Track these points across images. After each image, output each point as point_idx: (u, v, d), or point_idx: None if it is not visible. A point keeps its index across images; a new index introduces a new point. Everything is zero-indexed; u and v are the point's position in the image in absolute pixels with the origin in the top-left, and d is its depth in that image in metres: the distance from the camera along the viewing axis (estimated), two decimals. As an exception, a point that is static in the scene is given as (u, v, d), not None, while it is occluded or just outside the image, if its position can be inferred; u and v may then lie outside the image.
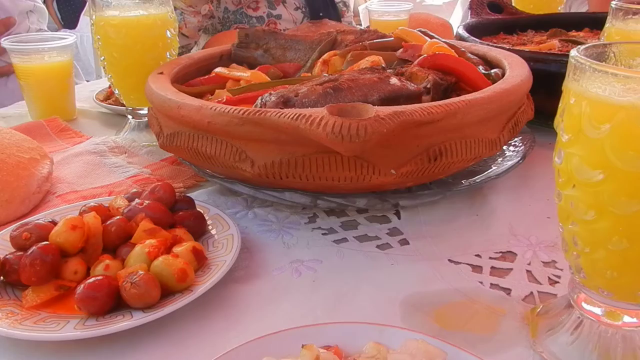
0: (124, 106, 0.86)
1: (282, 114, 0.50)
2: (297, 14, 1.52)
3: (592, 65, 0.32)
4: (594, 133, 0.32)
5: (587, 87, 0.33)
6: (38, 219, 0.52)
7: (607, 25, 0.66)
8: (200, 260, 0.48)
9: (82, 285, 0.43)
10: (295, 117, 0.48)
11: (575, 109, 0.33)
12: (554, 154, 0.37)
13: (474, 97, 0.55)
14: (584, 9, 1.62)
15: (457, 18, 1.86)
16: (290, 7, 1.50)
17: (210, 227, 0.56)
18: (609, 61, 0.37)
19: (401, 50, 0.74)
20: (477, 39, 0.90)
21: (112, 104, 0.95)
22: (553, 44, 0.93)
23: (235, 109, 0.53)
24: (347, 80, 0.59)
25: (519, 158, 0.65)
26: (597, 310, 0.38)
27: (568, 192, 0.35)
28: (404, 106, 0.51)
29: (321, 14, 1.52)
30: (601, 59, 0.37)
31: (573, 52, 0.35)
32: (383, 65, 0.68)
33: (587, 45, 0.36)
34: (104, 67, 0.81)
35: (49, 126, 0.86)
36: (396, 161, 0.53)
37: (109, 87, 1.02)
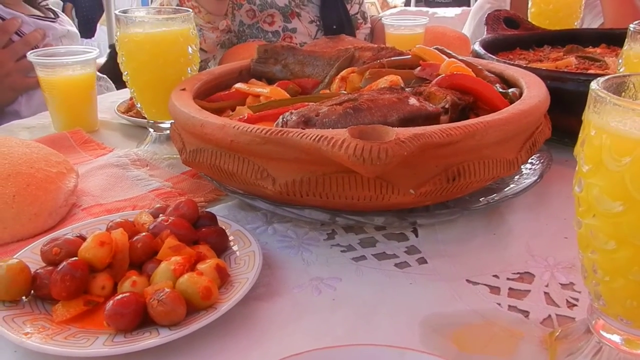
0: (145, 119, 0.88)
1: (304, 134, 0.51)
2: (312, 27, 1.53)
3: (613, 99, 0.33)
4: (615, 165, 0.33)
5: (607, 121, 0.34)
6: (66, 234, 0.53)
7: (625, 48, 0.66)
8: (223, 278, 0.50)
9: (110, 302, 0.44)
10: (317, 138, 0.50)
11: (596, 140, 0.34)
12: (574, 183, 0.38)
13: (492, 118, 0.56)
14: (596, 23, 1.62)
15: (468, 30, 1.86)
16: (305, 20, 1.51)
17: (231, 243, 0.57)
18: (629, 92, 0.38)
19: (419, 68, 0.75)
20: (493, 55, 0.91)
21: (133, 116, 0.97)
22: (570, 61, 0.93)
23: (258, 129, 0.54)
24: (366, 100, 0.60)
25: (537, 177, 0.66)
26: (616, 338, 0.38)
27: (588, 221, 0.36)
28: (423, 128, 0.52)
29: (334, 27, 1.53)
30: (621, 90, 0.38)
31: (593, 85, 0.36)
32: (402, 85, 0.69)
33: (607, 77, 0.37)
34: (126, 82, 0.83)
35: (73, 138, 0.88)
36: (415, 181, 0.54)
37: (130, 99, 1.05)
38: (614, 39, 1.06)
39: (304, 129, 0.55)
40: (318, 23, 1.53)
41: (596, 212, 0.35)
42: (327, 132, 0.50)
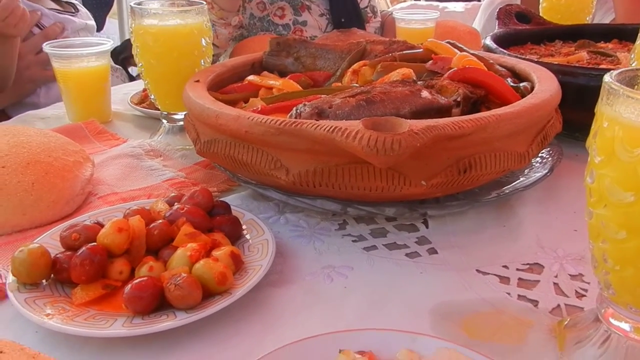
0: (159, 110, 0.89)
1: (318, 126, 0.52)
2: (322, 20, 1.53)
3: (626, 92, 0.34)
4: (627, 156, 0.33)
5: (620, 112, 0.34)
6: (84, 220, 0.55)
7: (638, 42, 0.67)
8: (237, 264, 0.51)
9: (129, 286, 0.45)
10: (331, 129, 0.50)
11: (608, 132, 0.35)
12: (585, 174, 0.39)
13: (504, 111, 0.57)
14: (607, 19, 1.61)
15: (478, 25, 1.86)
16: (315, 13, 1.52)
17: (245, 232, 0.58)
18: (643, 86, 0.38)
19: (431, 62, 0.76)
20: (504, 50, 0.91)
21: (146, 108, 0.98)
22: (581, 56, 0.94)
23: (272, 120, 0.55)
24: (379, 93, 0.60)
25: (547, 170, 0.66)
26: (625, 326, 0.39)
27: (599, 211, 0.37)
28: (435, 120, 0.52)
29: (343, 20, 1.53)
30: (634, 83, 0.38)
31: (607, 78, 0.36)
32: (414, 77, 0.70)
33: (620, 70, 0.37)
34: (141, 73, 0.84)
35: (87, 128, 0.89)
36: (427, 173, 0.55)
37: (143, 90, 1.06)
38: (626, 34, 1.06)
39: (317, 120, 0.56)
40: (328, 16, 1.53)
41: (607, 202, 0.36)
42: (340, 123, 0.51)
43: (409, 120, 0.51)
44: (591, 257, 0.40)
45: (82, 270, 0.47)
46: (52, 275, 0.50)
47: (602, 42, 1.06)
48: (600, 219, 0.37)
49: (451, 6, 2.16)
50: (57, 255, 0.50)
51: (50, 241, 0.54)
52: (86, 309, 0.46)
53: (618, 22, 1.46)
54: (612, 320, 0.40)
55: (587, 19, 1.26)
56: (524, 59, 0.82)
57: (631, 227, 0.34)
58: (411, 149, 0.48)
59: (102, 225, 0.52)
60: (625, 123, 0.34)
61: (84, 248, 0.48)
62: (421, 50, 0.81)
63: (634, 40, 1.04)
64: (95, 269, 0.47)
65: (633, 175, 0.33)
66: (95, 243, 0.49)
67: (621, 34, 1.07)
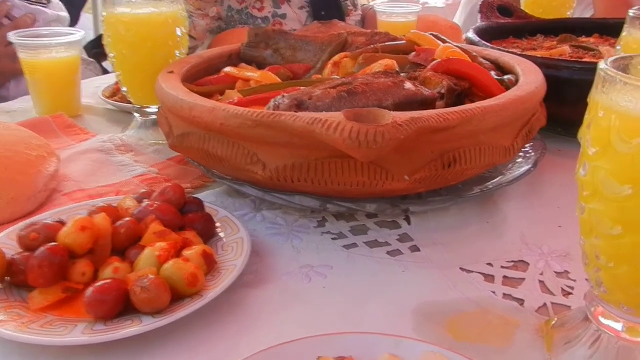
0: (131, 104, 0.85)
1: (297, 117, 0.49)
2: (302, 13, 1.51)
3: (623, 78, 0.32)
4: (624, 147, 0.31)
5: (617, 101, 0.32)
6: (45, 219, 0.51)
7: (624, 33, 0.65)
8: (210, 265, 0.48)
9: (91, 289, 0.42)
10: (311, 121, 0.48)
11: (604, 122, 0.33)
12: (577, 166, 0.37)
13: (490, 104, 0.55)
14: (587, 15, 1.61)
15: (460, 20, 1.85)
16: (294, 6, 1.49)
17: (219, 230, 0.55)
18: (636, 73, 0.36)
19: (414, 54, 0.74)
20: (487, 43, 0.89)
21: (118, 101, 0.94)
22: (564, 50, 0.92)
23: (249, 112, 0.52)
24: (361, 84, 0.58)
25: (531, 165, 0.65)
26: (617, 326, 0.37)
27: (592, 206, 0.35)
28: (420, 112, 0.50)
29: (323, 13, 1.51)
30: (627, 71, 0.36)
31: (602, 65, 0.34)
32: (397, 69, 0.68)
33: (614, 58, 0.36)
34: (113, 64, 0.81)
35: (55, 122, 0.85)
36: (410, 167, 0.52)
37: (115, 83, 1.02)
38: (607, 29, 1.05)
39: (296, 112, 0.53)
40: (308, 9, 1.50)
41: (602, 196, 0.33)
42: (321, 115, 0.48)
43: (392, 112, 0.48)
44: (582, 254, 0.38)
45: (40, 273, 0.43)
46: (7, 278, 0.46)
47: (583, 36, 1.05)
48: (594, 214, 0.35)
49: (432, 1, 2.15)
50: (14, 257, 0.46)
51: (7, 241, 0.50)
52: (44, 315, 0.43)
53: (597, 17, 1.45)
54: (602, 320, 0.38)
55: (569, 13, 1.25)
56: (507, 51, 0.80)
57: (627, 222, 0.32)
58: (395, 142, 0.46)
59: (64, 224, 0.48)
60: (622, 112, 0.32)
61: (42, 248, 0.44)
62: (404, 42, 0.79)
63: (614, 35, 1.04)
64: (54, 271, 0.44)
65: (630, 167, 0.31)
66: (55, 243, 0.46)
67: (602, 28, 1.07)
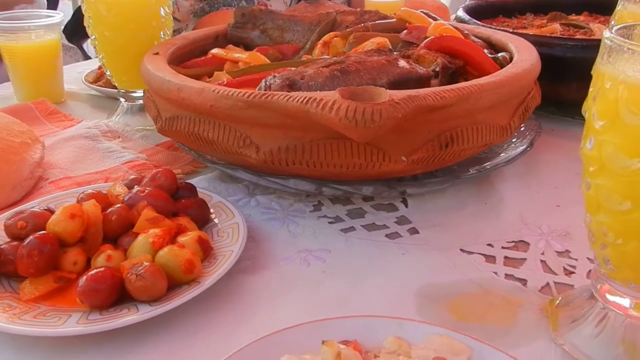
0: (116, 88, 0.83)
1: (291, 97, 0.47)
2: None
3: (631, 46, 0.31)
4: (633, 119, 0.31)
5: (624, 70, 0.31)
6: (33, 207, 0.49)
7: (618, 7, 0.64)
8: (206, 251, 0.46)
9: (84, 277, 0.41)
10: (305, 100, 0.46)
11: (611, 93, 0.32)
12: (582, 141, 0.36)
13: (486, 81, 0.54)
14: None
15: (447, 1, 1.83)
16: None
17: (213, 216, 0.54)
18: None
19: (405, 32, 0.72)
20: (478, 21, 0.88)
21: (102, 86, 0.92)
22: (554, 28, 0.92)
23: (240, 92, 0.50)
24: (354, 62, 0.56)
25: (527, 145, 0.64)
26: (625, 303, 0.37)
27: (599, 182, 0.34)
28: (416, 90, 0.49)
29: None
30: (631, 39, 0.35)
31: (607, 33, 0.33)
32: (390, 47, 0.66)
33: (618, 27, 0.35)
34: (95, 47, 0.78)
35: (38, 109, 0.82)
36: (407, 148, 0.51)
37: (99, 68, 0.99)
38: (596, 6, 1.05)
39: (289, 92, 0.52)
40: None
41: (609, 171, 0.33)
42: (315, 94, 0.47)
43: (388, 90, 0.47)
44: (587, 231, 0.38)
45: (30, 262, 0.42)
46: (-5, 268, 0.44)
47: (573, 14, 1.04)
48: (601, 189, 0.34)
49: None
50: (1, 246, 0.44)
51: (-7, 231, 0.49)
52: (36, 305, 0.41)
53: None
54: (609, 297, 0.38)
55: (557, -8, 1.24)
56: (500, 30, 0.79)
57: (637, 196, 0.32)
58: (392, 120, 0.44)
59: (52, 212, 0.47)
60: (630, 82, 0.31)
61: (31, 237, 0.43)
62: (394, 20, 0.77)
63: (604, 13, 1.03)
64: (45, 260, 0.42)
65: (640, 140, 0.30)
66: (44, 231, 0.44)
67: (591, 6, 1.06)
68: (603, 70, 0.33)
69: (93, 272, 0.41)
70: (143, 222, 0.47)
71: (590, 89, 0.35)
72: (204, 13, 1.41)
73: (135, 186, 0.52)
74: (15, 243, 0.44)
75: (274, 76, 0.56)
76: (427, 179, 0.59)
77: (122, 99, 0.82)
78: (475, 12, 0.98)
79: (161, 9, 0.75)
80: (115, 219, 0.47)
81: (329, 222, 0.57)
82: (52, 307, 0.41)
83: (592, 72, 0.35)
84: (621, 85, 0.31)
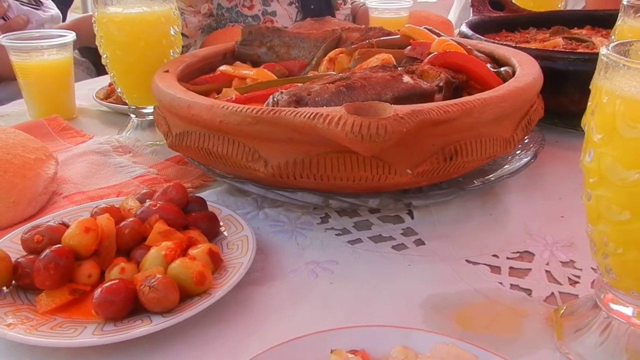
0: (126, 105, 0.84)
1: (298, 113, 0.49)
2: (292, 9, 1.51)
3: (626, 62, 0.32)
4: (630, 132, 0.32)
5: (620, 86, 0.32)
6: (48, 221, 0.51)
7: (618, 22, 0.66)
8: (216, 263, 0.48)
9: (99, 290, 0.42)
10: (312, 116, 0.48)
11: (609, 107, 0.33)
12: (582, 154, 0.37)
13: (489, 95, 0.55)
14: (579, 5, 1.62)
15: (454, 16, 1.85)
16: (283, 2, 1.49)
17: (222, 229, 0.55)
18: (638, 59, 0.37)
19: (409, 47, 0.74)
20: (481, 36, 0.90)
21: (113, 103, 0.94)
22: (557, 42, 0.93)
23: (249, 108, 0.52)
24: (359, 78, 0.58)
25: (531, 157, 0.65)
26: (627, 311, 0.37)
27: (599, 193, 0.35)
28: (420, 105, 0.50)
29: (312, 7, 1.51)
30: (628, 56, 0.36)
31: (603, 50, 0.34)
32: (394, 63, 0.68)
33: (615, 44, 0.36)
34: (106, 65, 0.80)
35: (50, 125, 0.84)
36: (412, 161, 0.53)
37: (109, 85, 1.01)
38: (598, 20, 1.06)
39: (296, 108, 0.53)
40: (297, 4, 1.50)
41: (609, 182, 0.34)
42: (322, 109, 0.48)
43: (393, 105, 0.48)
44: (589, 241, 0.38)
45: (46, 275, 0.43)
46: (13, 281, 0.45)
47: (575, 28, 1.06)
48: (601, 200, 0.35)
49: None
50: (19, 260, 0.46)
51: (10, 245, 0.50)
52: (52, 317, 0.42)
53: (588, 9, 1.46)
54: (612, 306, 0.39)
55: (559, 6, 1.26)
56: (502, 44, 0.80)
57: (635, 207, 0.33)
58: (397, 135, 0.46)
59: (67, 226, 0.48)
60: (626, 97, 0.32)
61: (47, 251, 0.44)
62: (398, 36, 0.79)
63: (606, 26, 1.05)
64: (60, 273, 0.44)
65: (637, 152, 0.31)
66: (60, 245, 0.45)
67: (594, 20, 1.07)
68: (601, 85, 0.34)
69: (107, 284, 0.42)
70: (155, 235, 0.48)
71: (589, 103, 0.36)
72: (211, 29, 1.44)
73: (147, 200, 0.54)
74: (31, 256, 0.45)
75: (281, 92, 0.57)
76: (432, 191, 0.60)
77: (132, 115, 0.84)
78: (479, 27, 0.99)
79: (171, 28, 0.77)
80: (128, 232, 0.48)
81: (336, 234, 0.58)
82: (68, 318, 0.42)
83: (590, 87, 0.37)
84: (618, 100, 0.32)
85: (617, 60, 0.32)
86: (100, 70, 1.56)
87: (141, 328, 0.40)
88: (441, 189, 0.60)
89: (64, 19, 1.87)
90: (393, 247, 0.55)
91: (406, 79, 0.59)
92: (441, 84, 0.61)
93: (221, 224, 0.55)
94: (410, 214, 0.61)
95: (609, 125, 0.33)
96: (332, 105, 0.55)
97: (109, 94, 0.98)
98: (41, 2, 1.49)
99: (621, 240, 0.35)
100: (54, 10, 1.50)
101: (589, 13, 1.15)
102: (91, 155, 0.73)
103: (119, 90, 0.82)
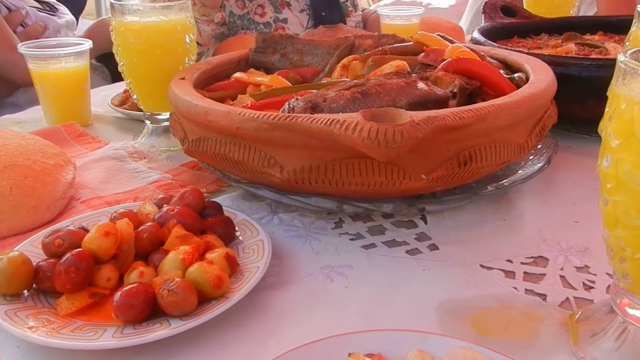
0: (141, 111, 0.86)
1: (315, 119, 0.49)
2: (303, 16, 1.52)
3: (644, 70, 0.32)
4: (648, 138, 0.32)
5: (639, 92, 0.33)
6: (67, 226, 0.51)
7: (633, 29, 0.66)
8: (233, 267, 0.48)
9: (119, 293, 0.42)
10: (329, 122, 0.48)
11: (627, 114, 0.33)
12: (599, 159, 0.37)
13: (503, 101, 0.55)
14: (590, 12, 1.62)
15: (465, 22, 1.86)
16: (295, 9, 1.50)
17: (238, 233, 0.55)
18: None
19: (423, 54, 0.74)
20: (493, 43, 0.90)
21: (128, 109, 0.95)
22: (570, 48, 0.93)
23: (265, 115, 0.52)
24: (374, 85, 0.58)
25: (545, 162, 0.65)
26: (644, 316, 0.37)
27: (617, 198, 0.35)
28: (435, 111, 0.51)
29: (323, 14, 1.52)
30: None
31: (621, 57, 0.35)
32: (408, 69, 0.68)
33: (633, 50, 0.36)
34: (122, 72, 0.81)
35: (67, 131, 0.85)
36: (427, 166, 0.53)
37: (124, 91, 1.02)
38: (610, 26, 1.06)
39: (312, 114, 0.54)
40: (308, 12, 1.52)
41: (627, 187, 0.34)
42: (338, 115, 0.49)
43: (408, 111, 0.49)
44: (606, 246, 0.39)
45: (67, 279, 0.44)
46: (34, 284, 0.46)
47: (587, 34, 1.05)
48: (618, 205, 0.35)
49: (435, 2, 2.16)
50: (40, 264, 0.46)
51: (30, 249, 0.51)
52: (72, 320, 0.43)
53: (600, 14, 1.46)
54: (628, 311, 0.39)
55: (571, 12, 1.26)
56: (515, 50, 0.81)
57: (654, 213, 0.33)
58: (413, 141, 0.46)
59: (86, 230, 0.49)
60: (645, 103, 0.32)
61: (68, 254, 0.45)
62: (411, 43, 0.79)
63: (618, 32, 1.05)
64: (81, 276, 0.44)
65: (655, 158, 0.32)
66: (80, 249, 0.46)
67: (606, 26, 1.07)
68: (618, 91, 0.35)
69: (127, 287, 0.43)
70: (173, 239, 0.49)
71: (606, 109, 0.36)
72: (224, 37, 1.45)
73: (165, 205, 0.55)
74: (52, 260, 0.46)
75: (297, 99, 0.58)
76: (445, 196, 0.60)
77: (147, 121, 0.85)
78: (491, 34, 1.00)
79: (186, 36, 0.79)
80: (147, 236, 0.49)
81: (350, 239, 0.58)
82: (88, 321, 0.43)
83: (607, 93, 0.37)
84: (636, 107, 0.33)
85: (635, 67, 0.33)
86: (115, 76, 1.58)
87: (160, 331, 0.41)
88: (454, 194, 0.60)
89: (76, 25, 1.90)
90: (407, 251, 0.56)
91: (421, 85, 0.60)
92: (455, 90, 0.61)
93: (237, 228, 0.56)
94: (424, 219, 0.61)
95: (627, 131, 0.33)
96: (348, 112, 0.55)
97: (124, 101, 0.99)
98: (56, 8, 1.52)
99: (638, 245, 0.35)
100: (69, 16, 1.53)
101: (601, 19, 1.15)
102: (107, 161, 0.75)
103: (134, 96, 0.83)
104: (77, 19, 2.00)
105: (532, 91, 0.59)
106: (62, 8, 1.53)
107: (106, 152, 0.78)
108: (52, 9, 1.49)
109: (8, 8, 1.31)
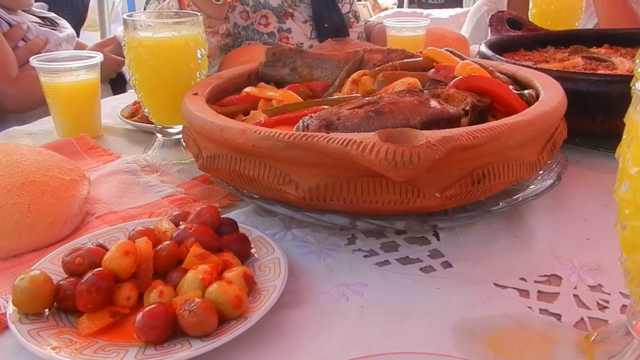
0: (152, 123, 0.86)
1: (331, 139, 0.50)
2: (306, 27, 1.53)
3: (663, 99, 0.33)
4: (668, 167, 0.32)
5: (657, 121, 0.33)
6: (85, 243, 0.52)
7: (642, 47, 0.66)
8: (250, 286, 0.49)
9: (141, 314, 0.43)
10: (346, 143, 0.49)
11: (646, 142, 0.34)
12: (617, 184, 0.38)
13: (516, 120, 0.56)
14: (591, 24, 1.62)
15: (466, 32, 1.87)
16: (298, 20, 1.51)
17: (253, 250, 0.56)
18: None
19: (433, 70, 0.75)
20: (502, 57, 0.91)
21: (138, 121, 0.96)
22: (576, 62, 0.94)
23: (281, 133, 0.53)
24: (388, 103, 0.59)
25: (555, 178, 0.65)
26: (662, 341, 0.38)
27: (636, 224, 0.35)
28: (449, 130, 0.51)
29: (326, 25, 1.53)
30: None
31: (638, 85, 0.35)
32: (420, 87, 0.69)
33: (649, 77, 0.37)
34: (134, 86, 0.82)
35: (79, 144, 0.86)
36: (441, 184, 0.53)
37: (134, 103, 1.03)
38: (616, 39, 1.07)
39: (326, 132, 0.54)
40: (311, 22, 1.53)
41: (646, 214, 0.34)
42: (355, 136, 0.49)
43: (423, 131, 0.50)
44: (623, 269, 0.39)
45: (89, 298, 0.44)
46: (54, 303, 0.47)
47: (593, 47, 1.06)
48: (637, 231, 0.36)
49: (435, 13, 2.17)
50: (60, 282, 0.47)
51: (49, 266, 0.51)
52: (94, 340, 0.43)
53: (601, 26, 1.47)
54: (646, 335, 0.39)
55: (577, 24, 1.27)
56: (523, 65, 0.81)
57: (672, 240, 0.33)
58: (430, 162, 0.47)
59: (105, 248, 0.49)
60: (664, 133, 0.33)
61: (89, 274, 0.45)
62: (421, 58, 0.80)
63: (624, 45, 1.05)
64: (102, 296, 0.45)
65: (674, 187, 0.32)
66: (100, 268, 0.47)
67: (612, 39, 1.08)
68: (636, 119, 0.35)
69: (148, 308, 0.43)
70: (191, 258, 0.49)
71: (624, 136, 0.37)
72: (229, 48, 1.46)
73: (181, 222, 0.55)
74: (72, 279, 0.47)
75: (311, 116, 0.59)
76: (457, 213, 0.60)
77: (158, 134, 0.86)
78: (497, 47, 1.00)
79: (198, 51, 0.79)
80: (165, 255, 0.50)
81: (364, 256, 0.59)
82: (109, 342, 0.43)
83: (624, 120, 0.37)
84: (655, 135, 0.33)
85: (654, 96, 0.33)
86: (116, 89, 1.60)
87: (182, 352, 0.41)
88: (467, 211, 0.61)
89: (77, 36, 1.91)
90: (421, 269, 0.56)
91: (433, 103, 0.60)
92: (467, 107, 0.62)
93: (252, 245, 0.56)
94: (436, 235, 0.62)
95: (645, 158, 0.34)
96: (362, 130, 0.56)
97: (134, 113, 1.00)
98: (57, 23, 1.53)
99: (657, 271, 0.35)
100: (70, 30, 1.54)
101: (606, 32, 1.16)
102: (120, 175, 0.75)
103: (146, 110, 0.84)
104: (78, 31, 2.02)
105: (543, 109, 0.59)
106: (63, 22, 1.54)
107: (119, 165, 0.78)
108: (53, 24, 1.50)
109: (9, 23, 1.32)
